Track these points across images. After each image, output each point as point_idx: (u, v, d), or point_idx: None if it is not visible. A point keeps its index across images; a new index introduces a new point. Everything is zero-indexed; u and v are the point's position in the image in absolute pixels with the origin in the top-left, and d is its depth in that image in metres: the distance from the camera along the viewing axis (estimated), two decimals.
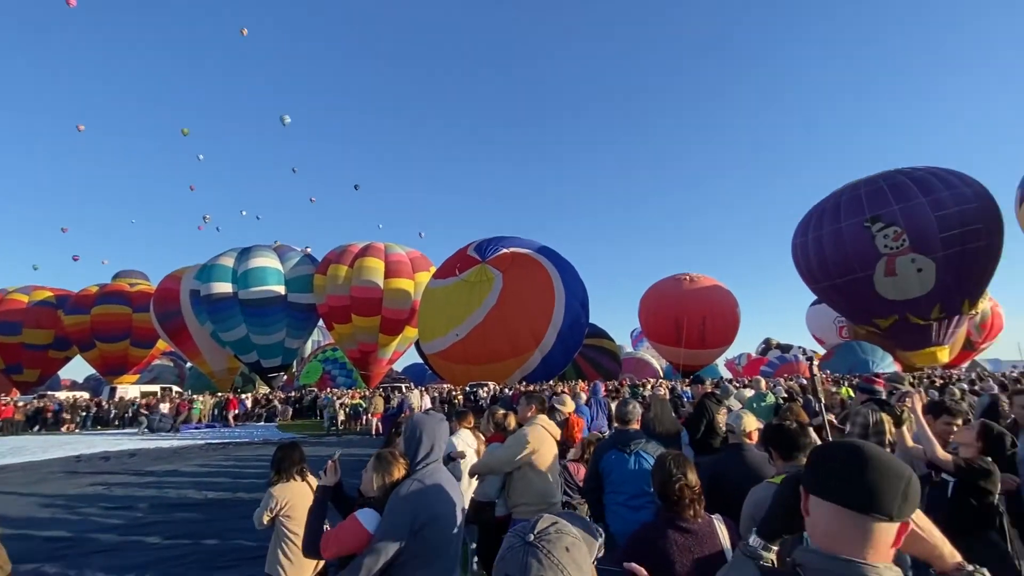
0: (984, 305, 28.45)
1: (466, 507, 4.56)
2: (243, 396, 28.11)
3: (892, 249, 22.81)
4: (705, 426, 5.50)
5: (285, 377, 39.83)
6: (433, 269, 30.85)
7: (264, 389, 35.37)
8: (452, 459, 4.12)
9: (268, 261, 33.60)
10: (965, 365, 30.17)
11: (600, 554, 1.26)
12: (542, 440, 4.13)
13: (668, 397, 9.17)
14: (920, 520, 1.16)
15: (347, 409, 21.60)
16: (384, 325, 31.86)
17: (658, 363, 40.10)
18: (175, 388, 35.33)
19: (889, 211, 23.06)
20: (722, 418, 4.99)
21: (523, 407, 4.52)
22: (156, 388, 33.53)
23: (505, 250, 26.15)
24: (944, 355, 25.03)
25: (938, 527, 2.81)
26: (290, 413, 26.69)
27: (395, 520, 2.15)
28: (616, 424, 4.12)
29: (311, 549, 2.31)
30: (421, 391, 21.29)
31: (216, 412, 25.03)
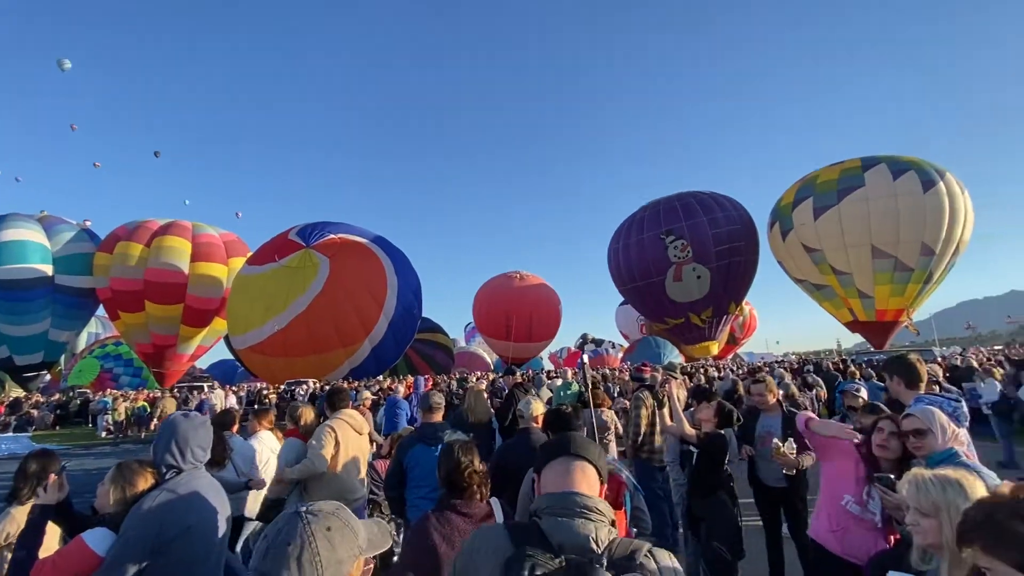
0: (745, 309, 35.32)
1: (252, 512, 4.19)
2: None
3: (679, 258, 27.25)
4: (513, 414, 5.83)
5: (48, 377, 32.69)
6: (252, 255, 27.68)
7: (17, 392, 28.42)
8: (249, 487, 3.81)
9: (29, 234, 26.96)
10: (730, 356, 36.84)
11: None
12: (345, 435, 3.99)
13: (487, 389, 9.55)
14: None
15: (129, 413, 18.36)
16: (188, 315, 27.64)
17: (489, 357, 41.66)
18: None
19: (679, 226, 27.51)
20: None
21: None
22: None
23: (333, 236, 24.57)
24: (715, 348, 30.39)
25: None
26: (51, 420, 21.88)
27: (132, 538, 1.87)
28: (420, 415, 4.11)
29: None
30: (226, 391, 19.05)
31: None
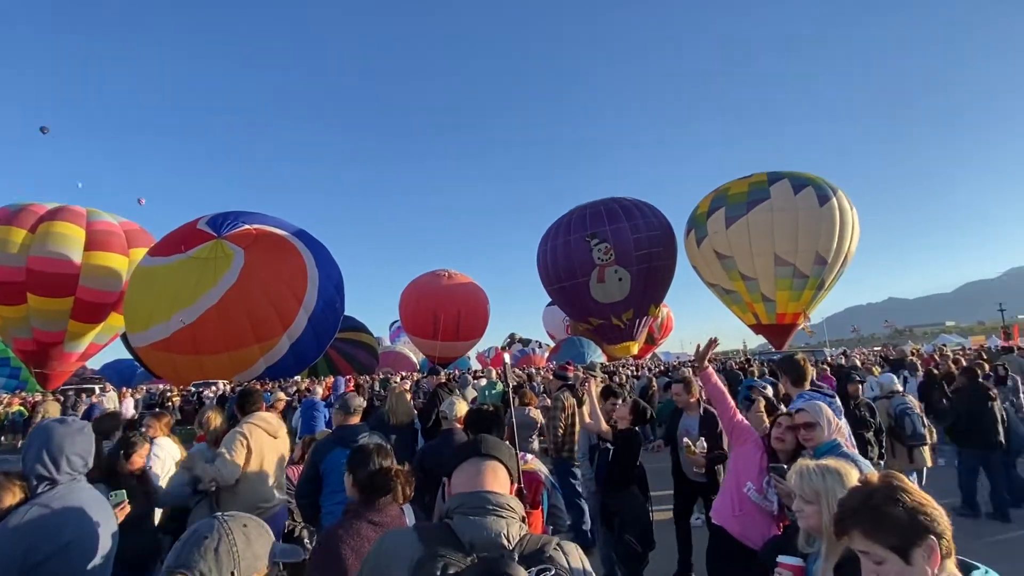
0: (663, 311, 37.18)
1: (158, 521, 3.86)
2: None
3: (603, 261, 28.50)
4: (436, 415, 5.77)
5: None
6: None
7: None
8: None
9: None
10: (648, 356, 38.64)
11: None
12: (258, 440, 3.76)
13: (411, 389, 9.39)
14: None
15: (1, 419, 16.28)
16: (79, 309, 24.81)
17: (416, 357, 40.89)
18: None
19: (603, 230, 28.80)
20: None
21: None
22: None
23: (247, 226, 22.96)
24: (635, 348, 31.82)
25: (600, 484, 3.40)
26: None
27: None
28: (337, 416, 3.98)
29: None
30: (121, 393, 17.39)
31: None
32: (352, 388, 12.07)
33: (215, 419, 4.19)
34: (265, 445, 3.80)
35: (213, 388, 17.11)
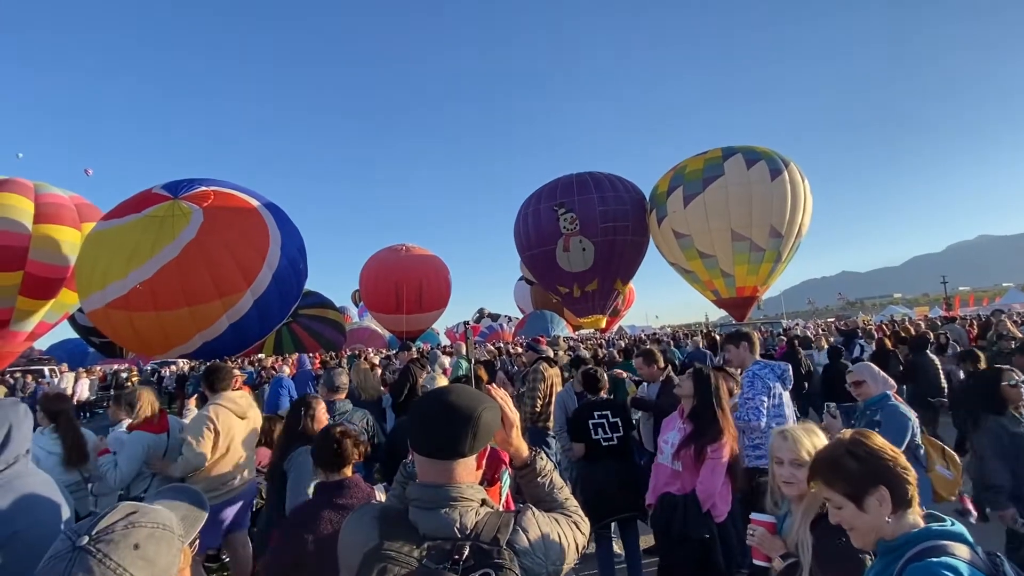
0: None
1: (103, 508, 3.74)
2: None
3: (568, 230, 28.82)
4: (408, 389, 5.76)
5: None
6: None
7: None
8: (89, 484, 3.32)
9: None
10: (614, 328, 39.38)
11: None
12: (227, 422, 3.64)
13: (381, 364, 9.33)
14: (511, 434, 1.41)
15: None
16: (28, 284, 23.17)
17: (386, 334, 40.48)
18: None
19: (571, 200, 29.01)
20: (423, 382, 5.29)
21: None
22: None
23: (205, 188, 21.86)
24: (602, 322, 32.32)
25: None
26: None
27: None
28: (322, 392, 3.97)
29: None
30: (77, 374, 16.69)
31: None
32: (318, 366, 11.91)
33: (146, 401, 3.83)
34: (234, 427, 3.69)
35: (172, 367, 16.61)
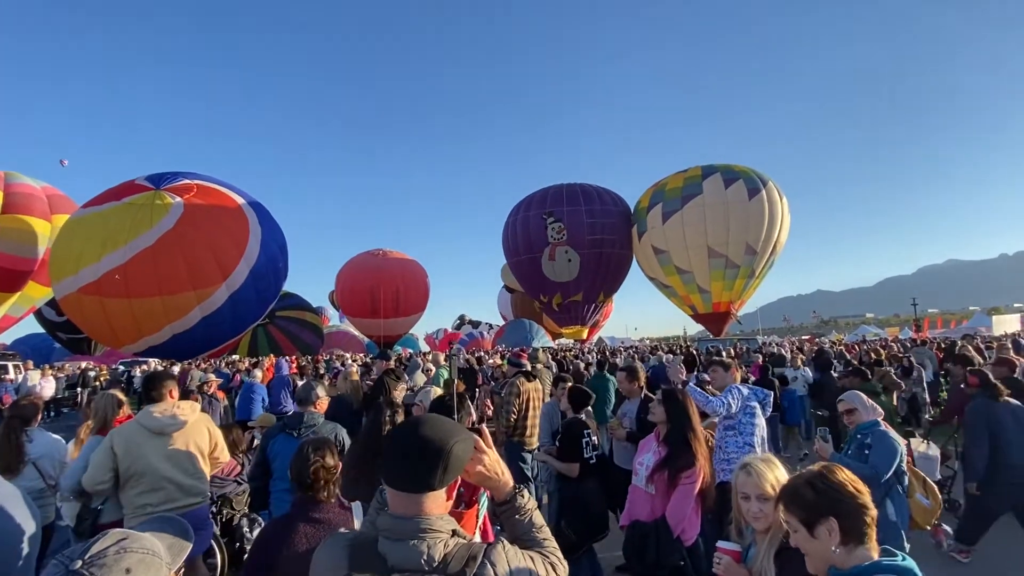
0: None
1: (69, 516, 3.63)
2: None
3: (555, 239, 29.04)
4: (379, 401, 5.71)
5: None
6: None
7: None
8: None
9: None
10: (594, 339, 39.59)
11: None
12: (137, 442, 3.26)
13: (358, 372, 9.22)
14: (490, 469, 1.41)
15: None
16: None
17: (364, 338, 39.97)
18: None
19: (559, 210, 29.27)
20: (399, 393, 5.25)
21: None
22: None
23: (188, 181, 21.56)
24: (584, 333, 32.49)
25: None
26: None
27: None
28: (299, 405, 3.88)
29: None
30: (43, 371, 16.15)
31: None
32: (295, 370, 11.75)
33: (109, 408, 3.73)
34: (147, 446, 3.27)
35: (143, 367, 16.21)
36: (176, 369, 13.87)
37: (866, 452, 3.25)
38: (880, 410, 3.56)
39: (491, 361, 13.47)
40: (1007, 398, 4.29)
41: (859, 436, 3.39)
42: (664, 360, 11.18)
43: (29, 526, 1.89)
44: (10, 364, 19.84)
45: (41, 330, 28.48)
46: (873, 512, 1.50)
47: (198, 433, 3.50)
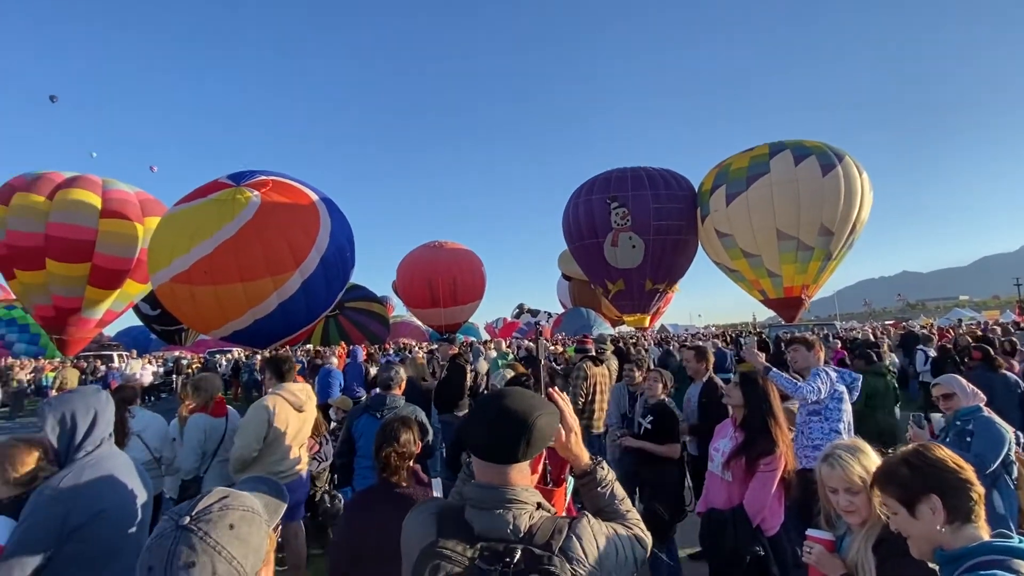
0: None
1: (172, 490, 3.99)
2: None
3: (619, 225, 28.13)
4: (456, 384, 5.87)
5: None
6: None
7: None
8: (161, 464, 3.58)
9: None
10: (656, 326, 38.67)
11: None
12: (282, 413, 3.67)
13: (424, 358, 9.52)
14: (570, 440, 1.42)
15: (25, 385, 16.79)
16: (96, 275, 25.01)
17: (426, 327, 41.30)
18: None
19: (624, 195, 28.33)
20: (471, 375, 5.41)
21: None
22: None
23: (264, 177, 23.29)
24: (646, 321, 31.80)
25: (634, 453, 3.48)
26: None
27: (35, 524, 1.74)
28: (378, 389, 4.10)
29: None
30: (144, 360, 17.77)
31: None
32: (365, 357, 12.26)
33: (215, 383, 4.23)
34: (290, 418, 3.71)
35: (227, 356, 17.45)
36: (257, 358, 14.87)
37: (968, 440, 2.96)
38: (982, 395, 3.21)
39: (552, 348, 13.49)
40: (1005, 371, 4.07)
41: (959, 423, 3.10)
42: (743, 344, 10.76)
43: (142, 494, 2.05)
44: (115, 354, 22.10)
45: (139, 323, 31.32)
46: (980, 488, 1.37)
47: (312, 414, 4.04)
